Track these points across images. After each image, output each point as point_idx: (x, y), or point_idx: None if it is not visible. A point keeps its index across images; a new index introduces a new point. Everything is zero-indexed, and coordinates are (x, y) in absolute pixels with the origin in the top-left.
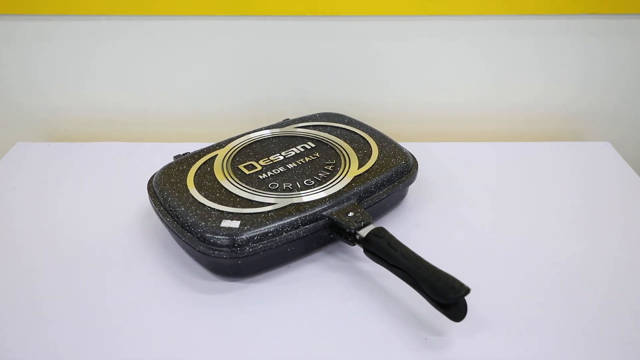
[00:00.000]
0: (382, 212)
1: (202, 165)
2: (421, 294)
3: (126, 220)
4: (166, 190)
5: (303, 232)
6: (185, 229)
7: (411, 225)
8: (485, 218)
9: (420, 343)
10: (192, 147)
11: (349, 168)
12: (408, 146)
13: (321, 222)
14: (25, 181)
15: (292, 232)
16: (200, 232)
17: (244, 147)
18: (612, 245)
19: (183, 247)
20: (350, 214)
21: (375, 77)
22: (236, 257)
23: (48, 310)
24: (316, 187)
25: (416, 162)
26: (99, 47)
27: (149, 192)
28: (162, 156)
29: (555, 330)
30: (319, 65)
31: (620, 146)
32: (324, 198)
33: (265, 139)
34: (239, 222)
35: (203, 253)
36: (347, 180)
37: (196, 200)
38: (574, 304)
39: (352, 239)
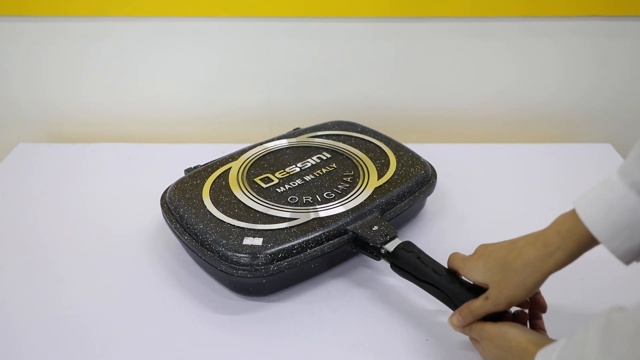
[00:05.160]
0: (403, 223)
1: (216, 179)
2: (452, 308)
3: (130, 224)
4: (182, 207)
5: (328, 248)
6: (206, 248)
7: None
8: (488, 219)
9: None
10: (193, 148)
11: (368, 179)
12: (409, 147)
13: (345, 237)
14: (27, 182)
15: (316, 249)
16: (221, 250)
17: (257, 158)
18: None
19: (201, 265)
20: (375, 227)
21: (376, 78)
22: (260, 277)
23: (48, 313)
24: (337, 199)
25: (435, 171)
26: (101, 48)
27: (162, 208)
28: (164, 157)
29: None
30: (321, 67)
31: (622, 148)
32: (347, 211)
33: (278, 149)
34: (261, 239)
35: (225, 272)
36: (368, 192)
37: (214, 217)
38: (577, 307)
39: (376, 253)
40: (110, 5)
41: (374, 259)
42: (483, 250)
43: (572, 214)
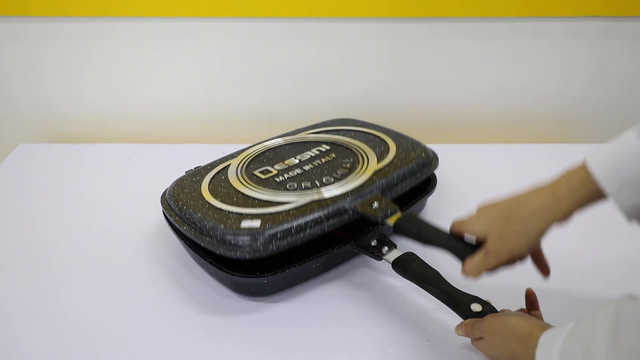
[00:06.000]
0: None
1: (215, 174)
2: (452, 309)
3: (130, 224)
4: (181, 200)
5: (328, 227)
6: (204, 234)
7: None
8: None
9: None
10: (193, 149)
11: (367, 164)
12: None
13: (345, 216)
14: (27, 182)
15: (316, 228)
16: (220, 234)
17: (257, 155)
18: (615, 246)
19: (202, 265)
20: (375, 204)
21: (377, 79)
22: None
23: (48, 313)
24: (336, 183)
25: (436, 155)
26: (101, 48)
27: (162, 205)
28: (164, 158)
29: None
30: (321, 67)
31: None
32: (346, 192)
33: (278, 146)
34: (259, 221)
35: (224, 266)
36: (367, 174)
37: (212, 205)
38: (577, 307)
39: (378, 253)
40: (110, 5)
41: (375, 259)
42: (485, 204)
43: (583, 166)
